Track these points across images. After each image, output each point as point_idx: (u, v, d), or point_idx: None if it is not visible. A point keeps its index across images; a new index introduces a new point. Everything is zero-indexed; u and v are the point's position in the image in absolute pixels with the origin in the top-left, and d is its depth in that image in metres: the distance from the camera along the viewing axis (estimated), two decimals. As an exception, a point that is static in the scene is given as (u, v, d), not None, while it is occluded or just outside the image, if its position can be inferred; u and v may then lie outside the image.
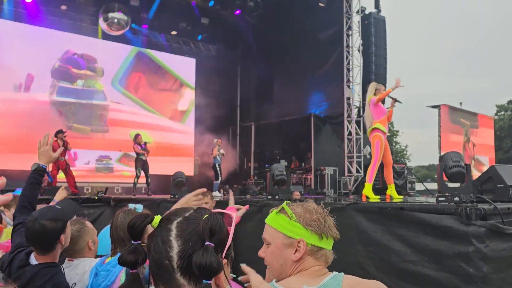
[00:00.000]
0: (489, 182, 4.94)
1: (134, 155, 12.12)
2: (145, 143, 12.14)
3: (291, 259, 1.53)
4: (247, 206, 4.19)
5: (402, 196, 7.40)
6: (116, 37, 14.96)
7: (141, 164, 11.95)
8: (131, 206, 2.60)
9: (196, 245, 1.07)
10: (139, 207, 2.53)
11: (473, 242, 3.95)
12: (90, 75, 15.07)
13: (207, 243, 1.05)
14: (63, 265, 2.71)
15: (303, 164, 15.78)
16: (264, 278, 1.52)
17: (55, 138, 10.79)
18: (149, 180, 12.11)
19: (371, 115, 7.15)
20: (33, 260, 2.37)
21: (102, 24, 14.20)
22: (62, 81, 14.51)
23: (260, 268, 1.56)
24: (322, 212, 1.61)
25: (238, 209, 4.11)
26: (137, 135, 12.24)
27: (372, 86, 7.42)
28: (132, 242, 1.14)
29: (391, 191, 7.26)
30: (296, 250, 1.54)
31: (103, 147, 15.01)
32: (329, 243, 1.60)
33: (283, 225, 1.57)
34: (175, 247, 1.09)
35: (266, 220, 1.63)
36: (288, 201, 1.65)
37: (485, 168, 18.01)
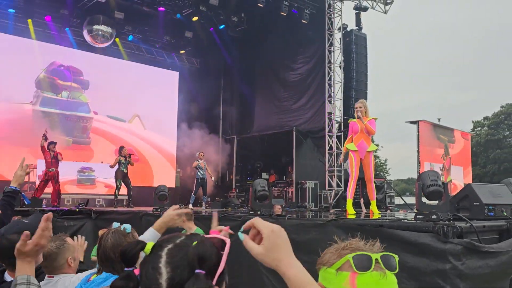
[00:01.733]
0: (466, 200, 5.07)
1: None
2: (130, 155, 12.14)
3: None
4: (227, 228, 3.95)
5: (379, 212, 7.57)
6: (100, 49, 14.94)
7: (122, 176, 11.91)
8: (115, 225, 2.59)
9: (185, 272, 1.06)
10: (128, 227, 2.53)
11: (450, 259, 4.07)
12: (76, 87, 15.01)
13: (197, 271, 1.04)
14: (42, 282, 2.71)
15: (284, 177, 15.89)
16: None
17: (47, 150, 10.96)
18: (131, 192, 12.06)
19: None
20: (8, 277, 2.34)
21: (86, 36, 14.19)
22: (47, 91, 14.42)
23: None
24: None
25: (220, 231, 3.98)
26: (121, 148, 12.22)
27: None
28: (125, 268, 1.13)
29: (372, 206, 7.43)
30: None
31: (85, 158, 14.91)
32: None
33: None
34: (164, 274, 1.07)
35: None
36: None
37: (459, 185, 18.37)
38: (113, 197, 12.14)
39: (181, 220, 2.71)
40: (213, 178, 13.37)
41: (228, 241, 1.17)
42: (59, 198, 11.15)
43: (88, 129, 15.14)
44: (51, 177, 11.05)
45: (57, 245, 2.78)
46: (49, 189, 11.29)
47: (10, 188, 2.74)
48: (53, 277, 2.73)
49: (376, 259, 1.29)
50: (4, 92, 13.17)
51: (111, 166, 11.99)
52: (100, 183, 14.94)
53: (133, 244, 1.15)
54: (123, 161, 11.94)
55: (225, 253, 1.12)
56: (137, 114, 16.36)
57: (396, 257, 1.33)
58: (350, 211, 7.10)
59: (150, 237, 2.68)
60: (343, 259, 1.31)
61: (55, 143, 11.19)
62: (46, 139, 11.04)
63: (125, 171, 11.94)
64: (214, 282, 1.07)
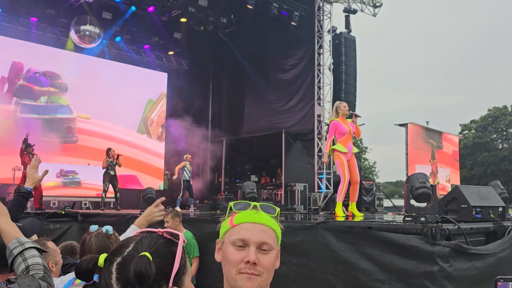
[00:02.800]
0: (453, 202, 5.09)
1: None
2: (118, 156, 12.03)
3: (274, 268, 1.45)
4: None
5: (362, 214, 7.59)
6: (88, 50, 14.82)
7: (109, 179, 11.80)
8: (93, 228, 2.53)
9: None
10: (110, 229, 2.48)
11: (438, 261, 4.07)
12: (54, 92, 14.82)
13: None
14: None
15: (273, 179, 15.86)
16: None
17: (26, 153, 10.73)
18: (118, 195, 11.95)
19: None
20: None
21: (73, 37, 14.06)
22: (25, 99, 14.23)
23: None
24: None
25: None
26: (109, 149, 12.11)
27: (334, 107, 7.53)
28: (86, 284, 1.12)
29: (353, 208, 7.39)
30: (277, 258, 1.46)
31: (71, 160, 14.75)
32: None
33: (279, 231, 1.47)
34: None
35: (265, 222, 1.44)
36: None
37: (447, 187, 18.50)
38: (100, 199, 12.02)
39: (159, 210, 2.70)
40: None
41: (181, 235, 1.17)
42: (41, 200, 10.96)
43: (73, 129, 14.98)
44: None
45: None
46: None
47: (25, 189, 2.65)
48: None
49: (255, 205, 1.46)
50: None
51: (104, 167, 11.87)
52: (86, 186, 14.78)
53: (87, 260, 1.13)
54: (110, 161, 11.84)
55: (179, 248, 1.11)
56: (125, 116, 16.23)
57: (278, 209, 1.48)
58: (340, 214, 7.04)
59: (131, 234, 2.64)
60: (228, 208, 1.49)
61: (32, 146, 10.99)
62: (25, 142, 10.87)
63: (112, 173, 11.83)
64: (170, 284, 1.06)
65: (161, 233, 1.16)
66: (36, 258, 1.80)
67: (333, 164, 14.02)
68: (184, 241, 1.18)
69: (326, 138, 14.06)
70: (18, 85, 14.12)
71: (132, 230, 2.71)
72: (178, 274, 1.09)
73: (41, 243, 2.81)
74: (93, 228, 2.48)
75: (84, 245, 2.43)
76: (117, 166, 11.97)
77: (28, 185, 2.66)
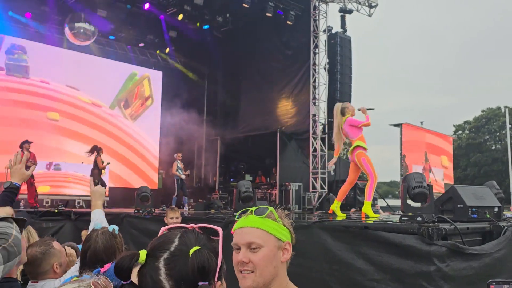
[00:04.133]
0: (450, 202, 5.09)
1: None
2: (108, 163, 12.05)
3: (280, 261, 1.60)
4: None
5: (345, 215, 7.55)
6: (83, 48, 14.72)
7: (100, 177, 11.78)
8: (98, 226, 2.50)
9: (188, 283, 1.05)
10: (117, 228, 2.46)
11: (434, 261, 4.06)
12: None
13: (200, 283, 1.04)
14: (26, 286, 2.61)
15: (268, 179, 15.84)
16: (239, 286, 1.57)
17: (20, 149, 10.59)
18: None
19: (347, 135, 7.11)
20: None
21: (67, 34, 13.94)
22: None
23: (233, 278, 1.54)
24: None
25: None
26: (100, 148, 12.03)
27: (337, 108, 7.34)
28: (123, 283, 1.10)
29: (335, 206, 7.31)
30: (283, 252, 1.61)
31: (65, 158, 14.65)
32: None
33: (273, 227, 1.60)
34: (168, 287, 1.06)
35: (251, 224, 1.60)
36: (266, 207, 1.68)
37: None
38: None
39: (103, 189, 2.82)
40: (187, 172, 13.25)
41: (220, 230, 1.18)
42: (36, 198, 10.88)
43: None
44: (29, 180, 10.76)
45: (42, 250, 2.67)
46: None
47: (13, 184, 2.59)
48: (37, 282, 2.64)
49: (251, 211, 1.65)
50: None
51: (101, 167, 11.83)
52: (79, 184, 14.68)
53: (127, 257, 1.10)
54: (104, 162, 11.82)
55: (220, 243, 1.13)
56: (119, 114, 16.15)
57: (270, 208, 1.64)
58: (371, 214, 6.59)
59: (100, 216, 2.71)
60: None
61: (30, 142, 10.87)
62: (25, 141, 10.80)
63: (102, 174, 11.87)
64: (216, 278, 1.09)
65: (197, 229, 1.17)
66: (4, 228, 1.73)
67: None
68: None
69: (320, 138, 14.11)
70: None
71: (100, 213, 2.80)
72: (220, 269, 1.11)
73: (46, 243, 2.76)
74: (98, 226, 2.45)
75: (90, 241, 2.36)
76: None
77: (16, 180, 2.60)
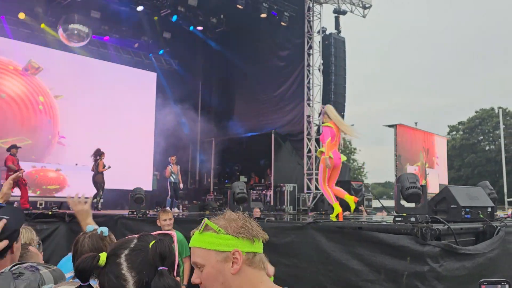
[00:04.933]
0: (443, 202, 5.10)
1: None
2: (109, 167, 12.02)
3: (230, 274, 1.44)
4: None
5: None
6: (76, 49, 14.67)
7: (103, 180, 11.75)
8: (89, 228, 2.47)
9: (150, 273, 1.11)
10: (105, 230, 2.42)
11: (428, 262, 4.08)
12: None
13: (160, 268, 1.11)
14: None
15: (262, 180, 15.84)
16: None
17: (8, 153, 10.59)
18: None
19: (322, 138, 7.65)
20: None
21: (61, 35, 13.89)
22: None
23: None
24: (245, 218, 1.53)
25: None
26: (102, 152, 12.01)
27: (327, 110, 7.67)
28: (81, 284, 1.14)
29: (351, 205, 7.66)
30: (233, 263, 1.45)
31: (60, 160, 14.60)
32: (261, 246, 1.53)
33: (212, 242, 1.47)
34: (130, 279, 1.12)
35: (190, 244, 1.51)
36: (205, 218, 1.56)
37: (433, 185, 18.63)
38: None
39: (87, 206, 2.73)
40: (181, 186, 13.22)
41: (174, 234, 1.31)
42: (28, 201, 10.82)
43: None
44: (18, 180, 10.69)
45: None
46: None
47: None
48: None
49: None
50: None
51: (101, 171, 11.79)
52: (73, 186, 14.63)
53: (88, 258, 1.15)
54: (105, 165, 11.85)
55: (175, 245, 1.23)
56: (113, 115, 16.09)
57: (206, 221, 1.50)
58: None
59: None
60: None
61: (18, 147, 10.84)
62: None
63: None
64: (175, 273, 1.17)
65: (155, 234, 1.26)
66: None
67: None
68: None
69: (315, 139, 14.13)
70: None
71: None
72: (178, 267, 1.23)
73: (22, 247, 2.72)
74: (89, 228, 2.42)
75: (77, 245, 2.35)
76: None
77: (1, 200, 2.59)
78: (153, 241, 1.16)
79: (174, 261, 1.17)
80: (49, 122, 14.77)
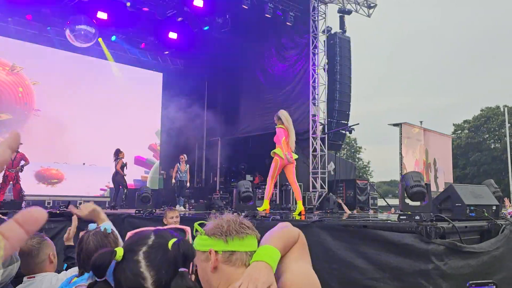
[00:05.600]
0: (448, 201, 5.13)
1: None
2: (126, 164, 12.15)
3: (210, 272, 1.51)
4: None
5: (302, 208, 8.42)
6: (83, 50, 14.78)
7: (124, 180, 11.95)
8: (92, 226, 2.49)
9: (169, 271, 1.09)
10: (108, 227, 2.45)
11: (432, 260, 4.10)
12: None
13: (181, 269, 1.08)
14: (22, 285, 2.61)
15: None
16: None
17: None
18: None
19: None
20: None
21: (68, 36, 13.99)
22: None
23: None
24: (230, 218, 1.57)
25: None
26: (120, 151, 12.12)
27: (281, 115, 8.59)
28: (97, 279, 1.14)
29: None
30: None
31: (68, 161, 14.72)
32: (240, 244, 1.53)
33: (197, 243, 1.56)
34: (148, 278, 1.09)
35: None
36: (202, 221, 1.62)
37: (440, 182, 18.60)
38: (95, 199, 12.01)
39: (94, 206, 2.66)
40: (187, 184, 13.36)
41: (188, 229, 1.28)
42: (22, 198, 10.88)
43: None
44: (11, 179, 10.77)
45: (36, 241, 2.70)
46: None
47: None
48: (34, 277, 2.62)
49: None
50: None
51: (118, 169, 11.93)
52: (83, 185, 14.75)
53: (105, 254, 1.14)
54: (124, 164, 11.98)
55: (190, 240, 1.24)
56: (120, 115, 16.19)
57: (195, 225, 1.56)
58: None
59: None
60: None
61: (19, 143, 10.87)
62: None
63: (123, 174, 11.96)
64: (191, 271, 1.15)
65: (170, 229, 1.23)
66: None
67: (328, 163, 14.09)
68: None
69: (320, 138, 14.17)
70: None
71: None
72: (193, 265, 1.20)
73: (39, 236, 2.78)
74: (92, 226, 2.44)
75: (82, 243, 2.36)
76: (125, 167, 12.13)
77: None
78: (173, 240, 1.14)
79: (192, 261, 1.17)
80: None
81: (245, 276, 1.42)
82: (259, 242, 1.58)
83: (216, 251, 1.51)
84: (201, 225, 1.58)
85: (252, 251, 1.53)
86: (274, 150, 8.31)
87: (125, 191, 11.83)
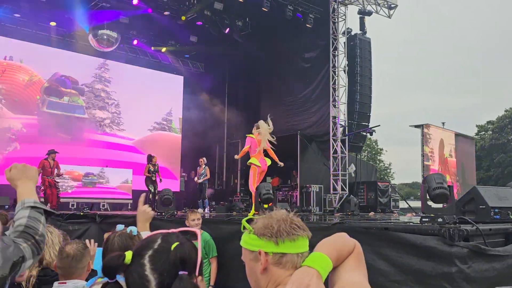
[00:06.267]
0: (471, 203, 5.06)
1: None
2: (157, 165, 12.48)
3: (259, 273, 1.46)
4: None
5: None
6: (105, 54, 15.03)
7: (152, 182, 12.23)
8: (119, 227, 2.54)
9: (171, 274, 1.14)
10: (134, 230, 2.50)
11: (456, 262, 4.05)
12: (74, 93, 15.29)
13: (180, 272, 1.13)
14: None
15: (288, 181, 15.86)
16: None
17: (46, 156, 11.00)
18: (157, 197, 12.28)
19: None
20: None
21: (91, 41, 14.25)
22: (52, 96, 14.74)
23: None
24: (280, 217, 1.50)
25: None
26: (152, 156, 12.36)
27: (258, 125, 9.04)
28: (108, 281, 1.20)
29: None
30: (261, 263, 1.47)
31: (89, 162, 14.96)
32: (291, 246, 1.47)
33: (245, 241, 1.52)
34: (152, 280, 1.15)
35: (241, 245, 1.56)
36: (250, 217, 1.59)
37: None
38: (117, 201, 12.28)
39: (150, 209, 2.71)
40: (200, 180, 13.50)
41: (197, 231, 1.29)
42: (58, 203, 11.20)
43: (83, 129, 15.31)
44: (52, 184, 11.12)
45: (81, 247, 2.73)
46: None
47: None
48: (65, 283, 2.64)
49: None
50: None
51: (144, 174, 12.28)
52: (104, 187, 14.96)
53: (115, 257, 1.20)
54: (152, 169, 12.15)
55: (199, 243, 1.23)
56: (141, 119, 16.40)
57: (242, 221, 1.54)
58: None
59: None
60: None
61: (56, 152, 11.25)
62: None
63: (154, 178, 12.15)
64: (197, 273, 1.18)
65: (178, 232, 1.28)
66: (22, 220, 1.65)
67: (348, 165, 14.01)
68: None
69: (341, 140, 14.10)
70: (45, 85, 14.68)
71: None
72: (201, 265, 1.21)
73: (82, 242, 2.83)
74: (119, 227, 2.51)
75: (107, 243, 2.44)
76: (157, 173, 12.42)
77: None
78: (176, 243, 1.18)
79: (196, 262, 1.18)
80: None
81: (294, 279, 1.37)
82: (310, 243, 1.52)
83: (266, 253, 1.45)
84: (249, 221, 1.53)
85: (303, 252, 1.48)
86: (250, 160, 9.05)
87: (150, 194, 12.00)
